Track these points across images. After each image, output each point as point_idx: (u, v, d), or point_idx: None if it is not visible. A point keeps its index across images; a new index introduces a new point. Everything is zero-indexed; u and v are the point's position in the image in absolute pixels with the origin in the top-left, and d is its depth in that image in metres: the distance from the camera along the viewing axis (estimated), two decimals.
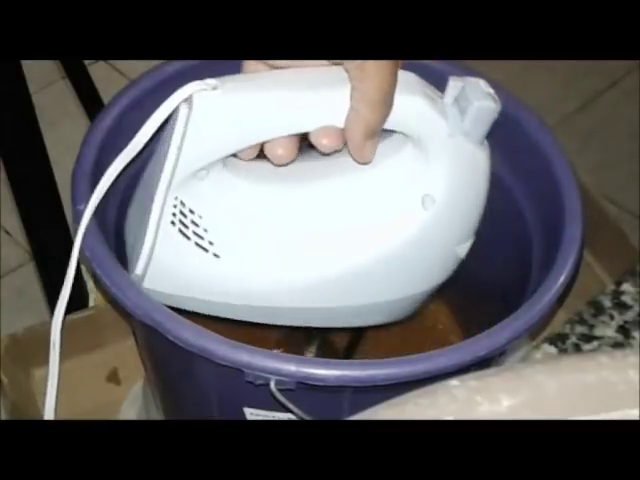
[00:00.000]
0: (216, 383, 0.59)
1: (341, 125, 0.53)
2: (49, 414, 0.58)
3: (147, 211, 0.55)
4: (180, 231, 0.55)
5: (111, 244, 0.58)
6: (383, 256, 0.57)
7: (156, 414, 0.73)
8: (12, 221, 1.21)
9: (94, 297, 0.86)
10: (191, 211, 0.55)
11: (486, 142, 0.57)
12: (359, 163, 0.55)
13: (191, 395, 0.64)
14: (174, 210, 0.55)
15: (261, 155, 0.55)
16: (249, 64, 0.54)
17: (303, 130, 0.54)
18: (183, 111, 0.52)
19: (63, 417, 0.76)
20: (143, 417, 0.76)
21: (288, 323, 0.60)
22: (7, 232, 1.33)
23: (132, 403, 0.78)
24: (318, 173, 0.57)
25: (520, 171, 0.64)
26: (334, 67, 0.53)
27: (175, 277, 0.56)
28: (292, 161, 0.55)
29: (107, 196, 0.61)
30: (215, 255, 0.56)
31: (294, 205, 0.57)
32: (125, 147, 0.61)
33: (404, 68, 0.55)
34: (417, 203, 0.56)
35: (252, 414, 0.58)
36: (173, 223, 0.55)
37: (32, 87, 0.89)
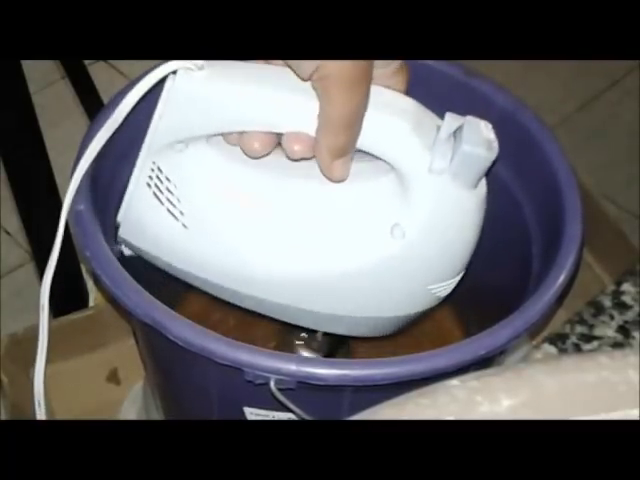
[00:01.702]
0: (216, 382, 0.59)
1: (314, 135, 0.53)
2: (38, 384, 0.58)
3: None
4: (154, 194, 0.57)
5: (111, 244, 0.58)
6: (348, 272, 0.56)
7: (156, 414, 0.73)
8: (12, 221, 1.21)
9: (94, 297, 0.86)
10: (167, 179, 0.57)
11: (483, 185, 0.55)
12: (330, 180, 0.55)
13: (191, 395, 0.64)
14: (151, 174, 0.57)
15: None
16: None
17: (276, 130, 0.54)
18: (168, 83, 0.54)
19: (63, 417, 0.76)
20: (143, 417, 0.76)
21: (252, 308, 0.60)
22: (7, 232, 1.33)
23: (132, 403, 0.78)
24: (298, 172, 0.56)
25: (520, 171, 0.64)
26: None
27: (145, 234, 0.58)
28: (266, 155, 0.55)
29: (107, 196, 0.61)
30: (184, 225, 0.57)
31: (268, 196, 0.57)
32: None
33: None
34: (386, 231, 0.55)
35: (252, 414, 0.58)
36: (149, 185, 0.57)
37: (32, 87, 0.89)
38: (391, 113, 0.53)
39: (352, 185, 0.55)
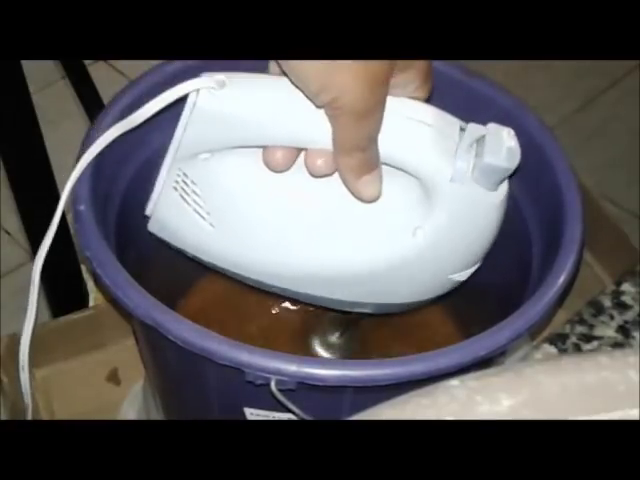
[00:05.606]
0: (216, 383, 0.59)
1: None
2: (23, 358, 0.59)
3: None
4: (181, 196, 0.58)
5: (111, 244, 0.58)
6: (374, 268, 0.58)
7: (156, 414, 0.73)
8: (12, 221, 1.21)
9: (94, 297, 0.86)
10: (193, 182, 0.58)
11: (504, 185, 0.56)
12: (361, 200, 0.56)
13: (191, 395, 0.64)
14: (177, 179, 0.58)
15: None
16: (274, 67, 0.55)
17: (300, 145, 0.54)
18: (190, 100, 0.55)
19: (63, 417, 0.76)
20: (143, 417, 0.76)
21: (281, 293, 0.62)
22: (7, 232, 1.33)
23: (132, 403, 0.78)
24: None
25: (520, 171, 0.64)
26: None
27: (174, 230, 0.60)
28: (288, 169, 0.56)
29: (108, 196, 0.61)
30: (211, 225, 0.58)
31: (291, 197, 0.58)
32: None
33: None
34: (408, 232, 0.57)
35: (252, 414, 0.58)
36: (175, 189, 0.58)
37: (32, 87, 0.89)
38: (411, 125, 0.54)
39: None
